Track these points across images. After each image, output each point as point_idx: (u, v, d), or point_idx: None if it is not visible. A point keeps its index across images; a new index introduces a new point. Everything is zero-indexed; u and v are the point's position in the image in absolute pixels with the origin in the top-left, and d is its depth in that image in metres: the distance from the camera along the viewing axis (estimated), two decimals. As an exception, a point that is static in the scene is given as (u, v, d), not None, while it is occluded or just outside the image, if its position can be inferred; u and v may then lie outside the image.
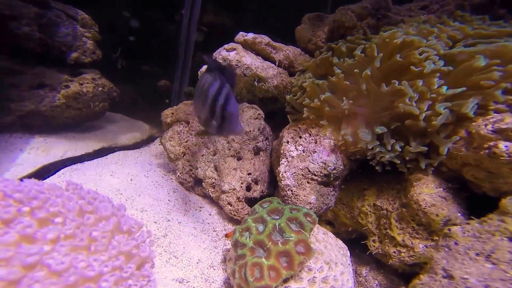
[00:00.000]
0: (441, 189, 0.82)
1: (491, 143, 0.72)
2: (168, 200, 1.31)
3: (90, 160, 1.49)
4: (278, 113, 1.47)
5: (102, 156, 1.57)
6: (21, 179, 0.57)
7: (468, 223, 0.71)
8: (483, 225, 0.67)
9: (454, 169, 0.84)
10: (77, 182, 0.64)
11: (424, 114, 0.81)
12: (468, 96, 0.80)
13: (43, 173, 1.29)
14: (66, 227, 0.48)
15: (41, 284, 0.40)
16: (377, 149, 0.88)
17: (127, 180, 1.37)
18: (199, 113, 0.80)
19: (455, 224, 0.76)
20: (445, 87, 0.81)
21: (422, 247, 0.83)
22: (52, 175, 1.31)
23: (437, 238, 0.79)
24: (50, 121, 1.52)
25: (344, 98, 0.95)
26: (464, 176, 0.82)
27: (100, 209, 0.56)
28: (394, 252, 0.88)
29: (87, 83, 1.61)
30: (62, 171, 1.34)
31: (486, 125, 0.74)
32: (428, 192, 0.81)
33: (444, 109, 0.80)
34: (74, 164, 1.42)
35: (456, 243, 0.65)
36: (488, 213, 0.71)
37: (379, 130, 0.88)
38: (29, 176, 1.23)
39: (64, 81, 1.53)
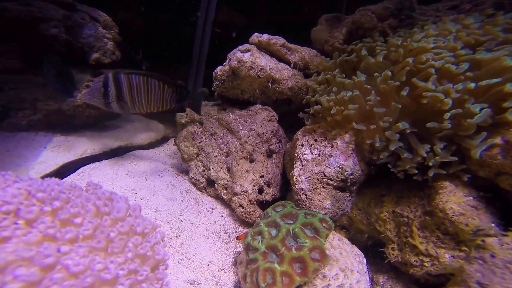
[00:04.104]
0: (471, 197, 0.77)
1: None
2: (181, 200, 1.32)
3: (108, 159, 1.54)
4: (292, 115, 1.44)
5: (119, 155, 1.62)
6: (43, 178, 0.59)
7: (506, 235, 0.65)
8: (526, 238, 0.61)
9: (486, 178, 0.78)
10: (96, 182, 0.66)
11: (449, 113, 0.74)
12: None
13: (64, 171, 1.35)
14: (84, 228, 0.49)
15: (59, 286, 0.40)
16: (404, 155, 0.83)
17: (142, 179, 1.40)
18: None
19: (488, 235, 0.70)
20: (473, 84, 0.74)
21: (449, 257, 0.77)
22: (72, 173, 1.36)
23: (466, 249, 0.73)
24: (71, 120, 1.58)
25: (373, 92, 0.91)
26: (499, 185, 0.76)
27: (116, 210, 0.57)
28: (416, 261, 0.83)
29: (106, 84, 1.66)
30: (81, 169, 1.40)
31: (529, 132, 0.68)
32: (455, 201, 0.76)
33: (480, 109, 0.72)
34: (93, 162, 1.47)
35: (492, 256, 0.60)
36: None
37: (401, 125, 0.82)
38: (52, 174, 1.29)
39: (86, 81, 1.59)
